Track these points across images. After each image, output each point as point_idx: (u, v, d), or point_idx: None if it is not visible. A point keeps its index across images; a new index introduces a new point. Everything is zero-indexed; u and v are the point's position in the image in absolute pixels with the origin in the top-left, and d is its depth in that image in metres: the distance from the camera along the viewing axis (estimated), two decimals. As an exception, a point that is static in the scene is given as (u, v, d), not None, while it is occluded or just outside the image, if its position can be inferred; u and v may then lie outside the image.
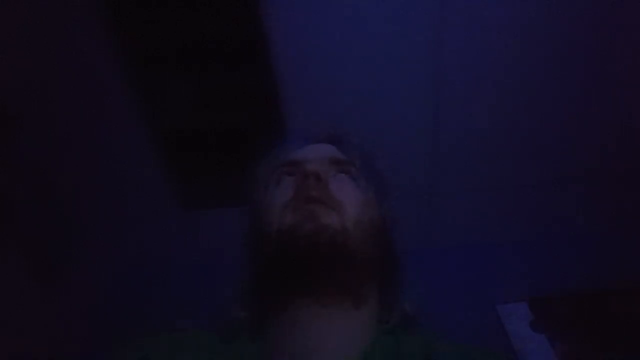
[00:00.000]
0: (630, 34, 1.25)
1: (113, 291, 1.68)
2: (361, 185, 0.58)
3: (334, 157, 0.60)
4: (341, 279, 0.49)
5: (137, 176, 1.48)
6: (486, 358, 0.48)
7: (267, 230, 0.51)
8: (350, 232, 0.50)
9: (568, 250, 1.70)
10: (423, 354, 0.47)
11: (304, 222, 0.48)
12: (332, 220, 0.49)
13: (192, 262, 1.72)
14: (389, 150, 1.43)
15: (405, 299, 0.55)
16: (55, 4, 1.10)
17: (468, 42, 1.26)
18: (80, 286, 1.61)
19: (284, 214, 0.51)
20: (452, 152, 1.50)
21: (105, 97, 1.29)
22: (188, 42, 1.21)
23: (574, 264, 1.66)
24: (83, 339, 1.46)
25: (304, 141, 0.63)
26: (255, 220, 0.56)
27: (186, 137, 1.41)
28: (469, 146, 1.48)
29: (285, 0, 1.17)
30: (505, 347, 1.51)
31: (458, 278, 1.66)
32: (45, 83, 1.24)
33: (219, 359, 0.48)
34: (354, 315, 0.49)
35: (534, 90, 1.36)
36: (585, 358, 1.48)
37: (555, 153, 1.52)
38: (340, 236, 0.48)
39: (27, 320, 1.40)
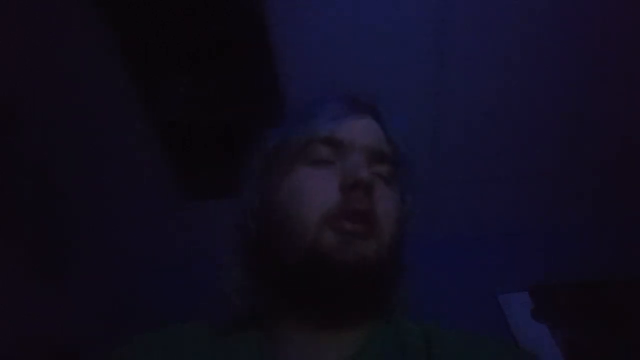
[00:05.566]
0: (630, 33, 1.25)
1: (114, 286, 1.69)
2: (397, 189, 0.54)
3: (380, 150, 0.53)
4: (361, 306, 0.48)
5: (140, 169, 1.49)
6: (486, 344, 0.47)
7: (297, 237, 0.46)
8: (383, 260, 0.47)
9: (569, 240, 1.71)
10: (423, 341, 0.47)
11: (342, 248, 0.44)
12: (369, 250, 0.46)
13: (194, 254, 1.73)
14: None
15: (407, 289, 0.54)
16: (56, 1, 1.10)
17: (469, 35, 1.25)
18: (81, 282, 1.62)
19: (322, 229, 0.45)
20: (453, 142, 1.49)
21: (107, 93, 1.29)
22: (189, 37, 1.21)
23: (575, 254, 1.67)
24: (84, 334, 1.47)
25: (345, 109, 0.55)
26: (278, 207, 0.50)
27: (189, 131, 1.41)
28: (470, 137, 1.48)
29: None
30: (507, 336, 1.52)
31: (459, 268, 1.67)
32: (48, 77, 1.24)
33: (218, 353, 0.48)
34: (361, 320, 0.49)
35: (535, 81, 1.35)
36: (585, 346, 1.49)
37: (556, 144, 1.51)
38: (373, 268, 0.46)
39: (29, 315, 1.41)
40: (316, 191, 0.48)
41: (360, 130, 0.53)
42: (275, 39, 1.22)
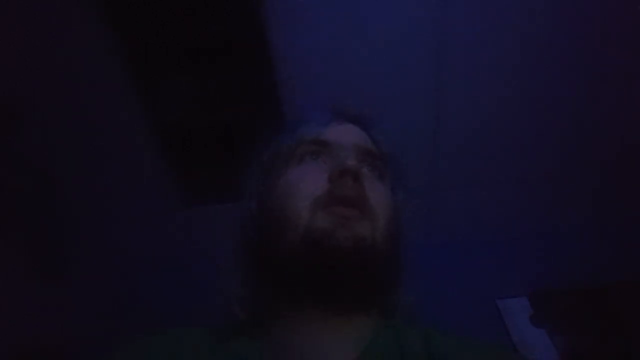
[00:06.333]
0: (630, 33, 1.24)
1: (114, 286, 1.69)
2: (387, 185, 0.55)
3: (367, 148, 0.56)
4: (362, 292, 0.48)
5: (140, 169, 1.49)
6: (485, 349, 0.47)
7: (291, 227, 0.47)
8: (379, 244, 0.47)
9: (568, 245, 1.70)
10: (423, 345, 0.47)
11: (337, 230, 0.45)
12: (364, 230, 0.46)
13: (194, 255, 1.73)
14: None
15: (406, 292, 0.54)
16: (56, 1, 1.10)
17: (469, 35, 1.25)
18: (81, 282, 1.62)
19: (314, 214, 0.46)
20: (452, 148, 1.49)
21: (107, 93, 1.29)
22: (189, 37, 1.21)
23: (574, 259, 1.66)
24: (85, 334, 1.47)
25: (330, 118, 0.58)
26: (272, 205, 0.51)
27: (189, 131, 1.41)
28: (470, 142, 1.48)
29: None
30: (505, 341, 1.52)
31: (458, 273, 1.66)
32: (48, 77, 1.24)
33: (218, 358, 0.48)
34: (361, 318, 0.49)
35: (535, 82, 1.35)
36: (584, 352, 1.48)
37: (556, 145, 1.51)
38: (370, 250, 0.46)
39: (29, 315, 1.41)
40: (306, 183, 0.50)
41: (346, 133, 0.57)
42: (275, 39, 1.22)
